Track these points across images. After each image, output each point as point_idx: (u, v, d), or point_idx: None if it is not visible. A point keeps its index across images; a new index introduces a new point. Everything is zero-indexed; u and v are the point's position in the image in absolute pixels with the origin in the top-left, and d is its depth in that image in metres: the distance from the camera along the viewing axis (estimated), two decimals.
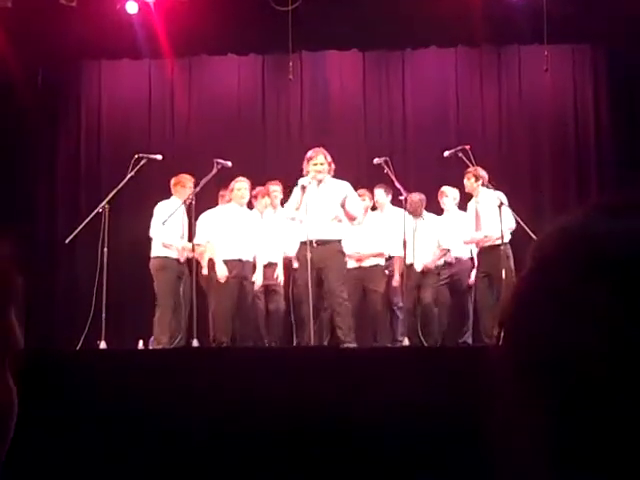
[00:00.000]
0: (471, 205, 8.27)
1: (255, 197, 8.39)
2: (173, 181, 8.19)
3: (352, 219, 7.52)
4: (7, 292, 1.06)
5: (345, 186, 7.54)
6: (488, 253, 7.91)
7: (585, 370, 0.61)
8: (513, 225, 7.81)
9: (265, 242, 8.17)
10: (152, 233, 8.00)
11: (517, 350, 0.66)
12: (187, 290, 7.92)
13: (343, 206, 7.42)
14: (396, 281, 8.27)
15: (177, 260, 7.95)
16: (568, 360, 0.62)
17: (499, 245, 7.67)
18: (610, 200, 0.68)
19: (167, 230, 7.86)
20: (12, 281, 1.03)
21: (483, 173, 8.16)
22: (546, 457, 0.63)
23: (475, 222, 8.09)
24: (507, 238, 7.78)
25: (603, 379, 0.60)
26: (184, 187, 8.07)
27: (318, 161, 7.41)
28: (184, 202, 7.82)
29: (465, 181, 8.22)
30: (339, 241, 7.43)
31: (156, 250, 7.98)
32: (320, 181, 7.42)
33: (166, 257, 7.93)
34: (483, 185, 8.12)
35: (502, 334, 0.68)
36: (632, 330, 0.60)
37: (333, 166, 7.51)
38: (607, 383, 0.60)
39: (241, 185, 8.05)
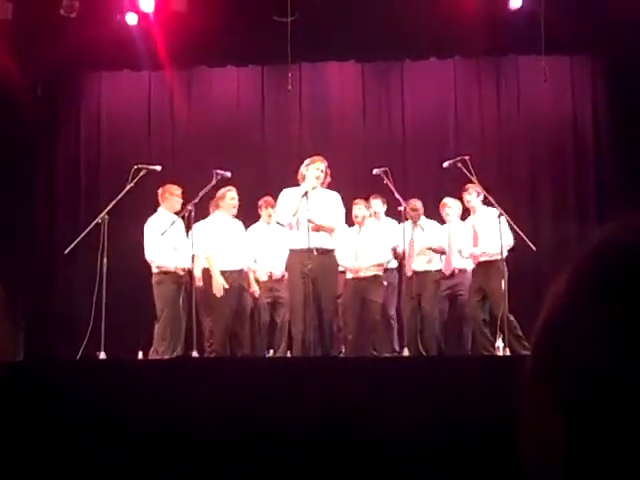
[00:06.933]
0: (469, 220, 8.08)
1: (260, 207, 8.45)
2: (160, 191, 8.15)
3: (330, 230, 7.29)
4: None
5: (335, 196, 7.43)
6: (483, 268, 7.75)
7: (617, 391, 0.60)
8: (511, 242, 7.63)
9: (269, 253, 8.19)
10: (148, 256, 7.91)
11: (549, 363, 0.66)
12: (185, 302, 7.91)
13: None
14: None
15: (175, 273, 7.89)
16: (603, 381, 0.61)
17: (495, 261, 7.53)
18: None
19: (161, 249, 7.82)
20: None
21: (480, 190, 7.93)
22: (564, 468, 0.63)
23: (472, 238, 7.90)
24: (504, 254, 7.52)
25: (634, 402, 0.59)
26: (172, 196, 8.05)
27: (320, 167, 7.32)
28: (178, 213, 7.81)
29: (466, 195, 8.01)
30: (334, 251, 7.34)
31: (154, 266, 7.95)
32: (316, 187, 7.37)
33: (163, 272, 7.88)
34: (483, 201, 7.93)
35: (536, 345, 0.68)
36: None
37: (329, 178, 7.44)
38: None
39: (233, 194, 8.06)
